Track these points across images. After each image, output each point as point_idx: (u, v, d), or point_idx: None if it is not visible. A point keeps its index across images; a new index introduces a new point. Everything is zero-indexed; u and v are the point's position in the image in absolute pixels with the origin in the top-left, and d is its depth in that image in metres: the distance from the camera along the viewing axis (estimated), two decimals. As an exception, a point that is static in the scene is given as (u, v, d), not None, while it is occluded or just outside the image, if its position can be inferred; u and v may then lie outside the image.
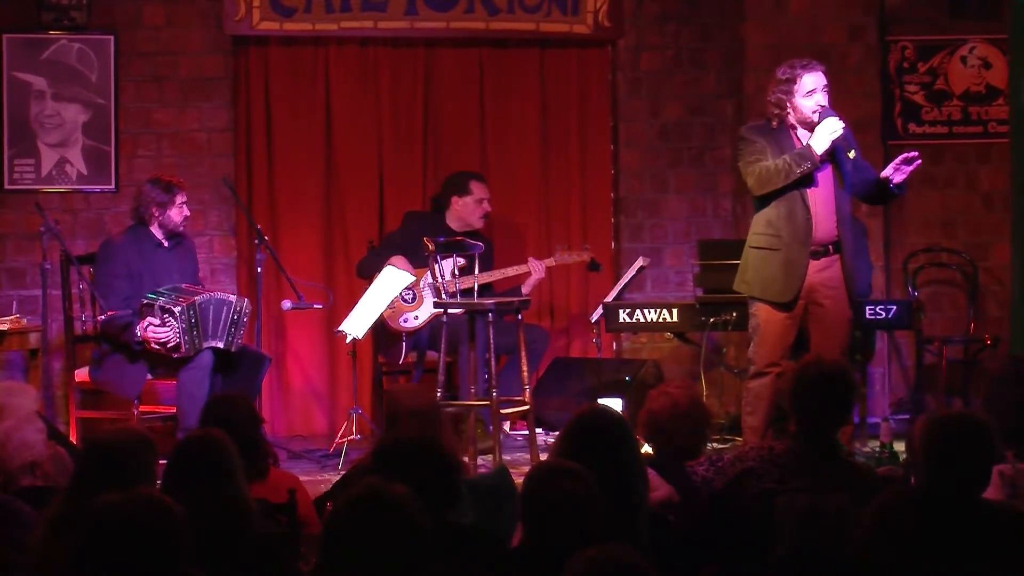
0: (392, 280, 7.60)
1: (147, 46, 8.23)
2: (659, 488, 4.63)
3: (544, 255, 8.16)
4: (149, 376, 7.14)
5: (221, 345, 7.06)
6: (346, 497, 3.30)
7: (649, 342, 8.61)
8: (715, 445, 6.93)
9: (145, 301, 6.97)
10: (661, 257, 8.67)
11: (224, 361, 7.09)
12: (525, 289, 7.95)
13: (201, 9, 8.29)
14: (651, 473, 4.44)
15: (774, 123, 6.34)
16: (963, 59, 8.78)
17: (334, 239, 8.60)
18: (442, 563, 3.46)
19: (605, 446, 3.99)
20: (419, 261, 7.70)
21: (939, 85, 8.78)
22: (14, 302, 7.96)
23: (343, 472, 6.67)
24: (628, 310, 7.66)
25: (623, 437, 4.06)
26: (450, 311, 7.13)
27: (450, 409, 6.81)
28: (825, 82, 6.30)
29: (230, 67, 8.36)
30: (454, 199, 8.13)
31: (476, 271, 7.27)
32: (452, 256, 7.41)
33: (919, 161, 6.27)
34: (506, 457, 6.96)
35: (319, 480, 6.84)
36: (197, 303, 6.98)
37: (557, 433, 4.45)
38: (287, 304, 7.74)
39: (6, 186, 8.12)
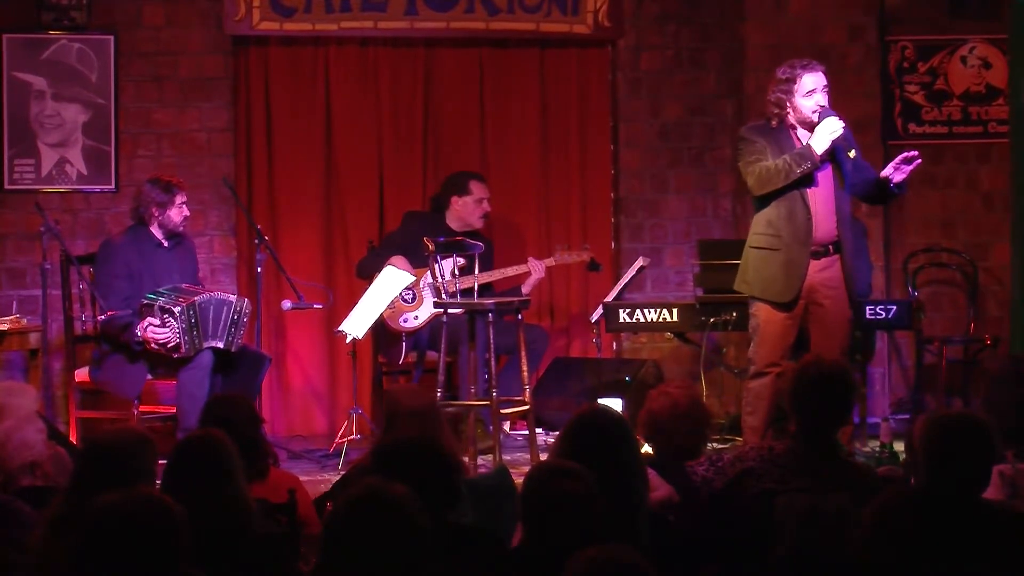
0: (392, 280, 7.60)
1: (147, 46, 8.23)
2: (659, 488, 4.63)
3: (544, 255, 8.16)
4: (149, 376, 7.14)
5: (221, 345, 7.06)
6: (346, 497, 3.30)
7: (649, 342, 8.61)
8: (715, 445, 6.93)
9: (145, 301, 6.97)
10: (661, 257, 8.67)
11: (224, 361, 7.09)
12: (525, 289, 7.95)
13: (201, 9, 8.29)
14: (651, 473, 4.44)
15: (774, 123, 6.34)
16: (963, 59, 8.78)
17: (334, 239, 8.60)
18: (442, 563, 3.46)
19: (605, 446, 3.99)
20: (419, 261, 7.70)
21: (939, 85, 8.78)
22: (14, 302, 7.96)
23: (343, 472, 6.67)
24: (628, 310, 7.66)
25: (623, 437, 4.06)
26: (450, 311, 7.13)
27: (450, 409, 6.81)
28: (825, 82, 6.30)
29: (230, 67, 8.36)
30: (454, 199, 8.13)
31: (476, 271, 7.27)
32: (452, 256, 7.40)
33: (919, 161, 6.27)
34: (506, 457, 6.96)
35: (319, 480, 6.84)
36: (197, 303, 6.98)
37: (557, 433, 4.45)
38: (287, 304, 7.74)
39: (6, 186, 8.12)
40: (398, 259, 7.76)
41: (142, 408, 7.16)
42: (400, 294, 7.80)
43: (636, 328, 7.87)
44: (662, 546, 4.00)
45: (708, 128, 8.74)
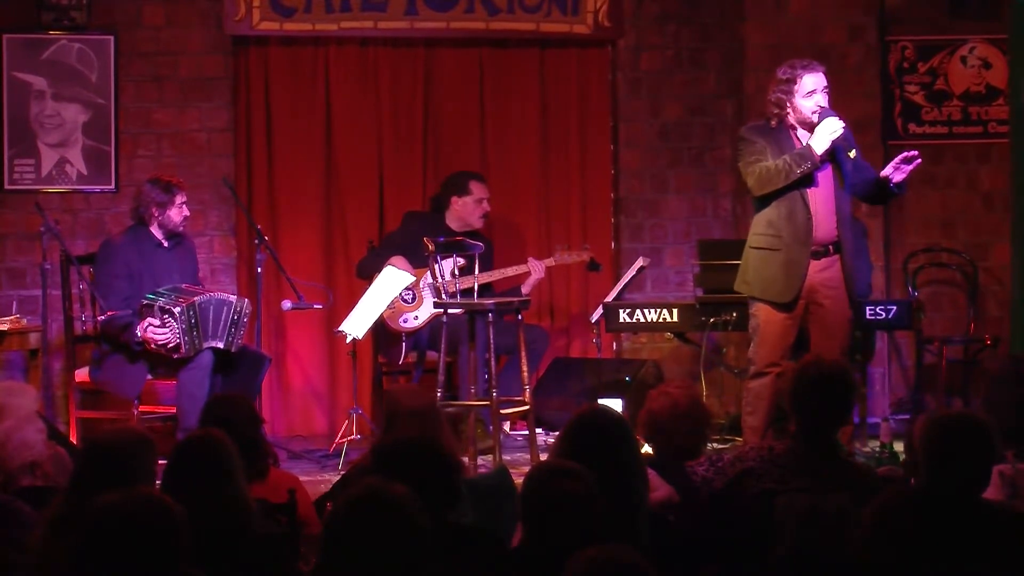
0: (392, 280, 7.60)
1: (147, 46, 8.23)
2: (659, 488, 4.63)
3: (544, 255, 8.16)
4: (149, 376, 7.14)
5: (221, 345, 7.06)
6: (346, 497, 3.30)
7: (649, 342, 8.61)
8: (715, 445, 6.93)
9: (145, 301, 6.97)
10: (661, 257, 8.67)
11: (224, 361, 7.09)
12: (525, 289, 7.95)
13: (201, 9, 8.29)
14: (651, 473, 4.44)
15: (774, 123, 6.34)
16: (963, 59, 8.78)
17: (334, 239, 8.60)
18: (442, 563, 3.46)
19: (605, 446, 3.99)
20: (419, 261, 7.70)
21: (939, 85, 8.78)
22: (14, 302, 7.96)
23: (343, 472, 6.67)
24: (628, 310, 7.66)
25: (623, 437, 4.06)
26: (450, 311, 7.13)
27: (450, 409, 6.81)
28: (825, 83, 6.30)
29: (230, 67, 8.36)
30: (454, 199, 8.13)
31: (476, 271, 7.27)
32: (452, 256, 7.40)
33: (919, 160, 6.27)
34: (506, 457, 6.96)
35: (319, 480, 6.84)
36: (197, 303, 6.98)
37: (557, 433, 4.45)
38: (287, 304, 7.74)
39: (6, 186, 8.12)
40: (398, 259, 7.76)
41: (142, 408, 7.16)
42: (400, 294, 7.80)
43: (636, 328, 7.87)
44: (662, 546, 4.00)
45: (708, 128, 8.74)
